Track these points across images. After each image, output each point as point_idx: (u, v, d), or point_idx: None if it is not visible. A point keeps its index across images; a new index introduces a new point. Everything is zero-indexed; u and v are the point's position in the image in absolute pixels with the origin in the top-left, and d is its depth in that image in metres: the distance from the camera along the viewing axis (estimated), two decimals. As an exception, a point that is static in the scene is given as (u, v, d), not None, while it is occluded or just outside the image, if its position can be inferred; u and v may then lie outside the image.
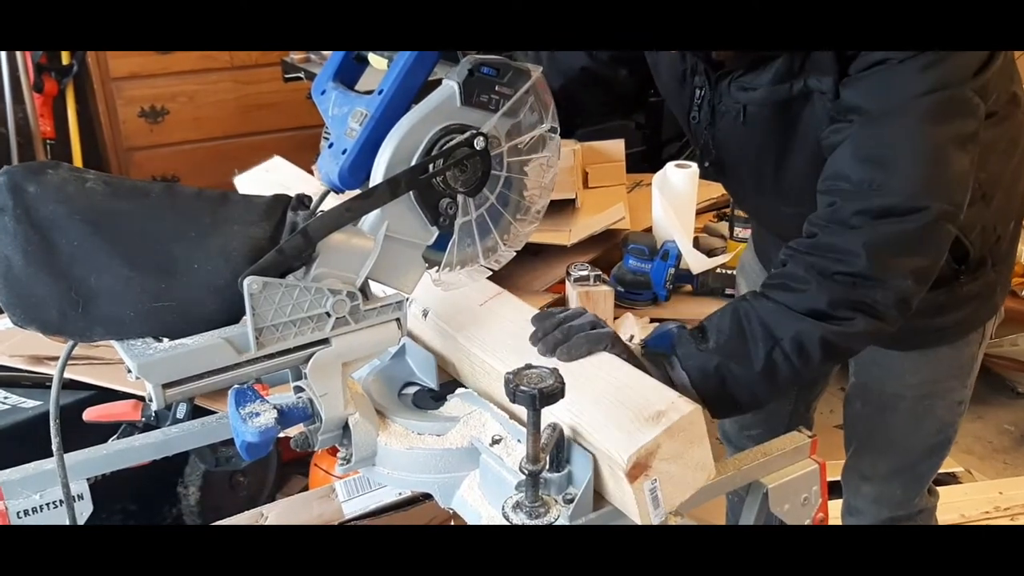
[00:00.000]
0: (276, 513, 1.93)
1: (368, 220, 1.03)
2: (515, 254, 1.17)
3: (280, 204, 1.00)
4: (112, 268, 0.93)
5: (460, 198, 1.06)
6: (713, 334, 1.11)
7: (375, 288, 1.09)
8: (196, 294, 0.96)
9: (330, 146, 1.05)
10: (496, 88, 1.04)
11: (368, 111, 1.02)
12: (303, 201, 1.02)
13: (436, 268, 1.12)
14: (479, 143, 1.04)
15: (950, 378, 1.52)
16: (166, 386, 0.95)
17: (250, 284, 0.95)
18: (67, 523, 1.12)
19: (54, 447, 1.03)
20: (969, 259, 1.34)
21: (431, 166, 1.03)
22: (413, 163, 1.02)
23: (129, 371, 0.95)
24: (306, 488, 2.27)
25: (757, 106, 1.25)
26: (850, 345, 1.12)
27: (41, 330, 0.96)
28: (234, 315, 0.98)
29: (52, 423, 1.01)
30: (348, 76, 1.11)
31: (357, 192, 1.02)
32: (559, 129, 1.11)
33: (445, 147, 1.03)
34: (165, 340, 0.96)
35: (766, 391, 1.11)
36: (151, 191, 0.97)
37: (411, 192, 1.03)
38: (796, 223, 1.18)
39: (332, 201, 1.04)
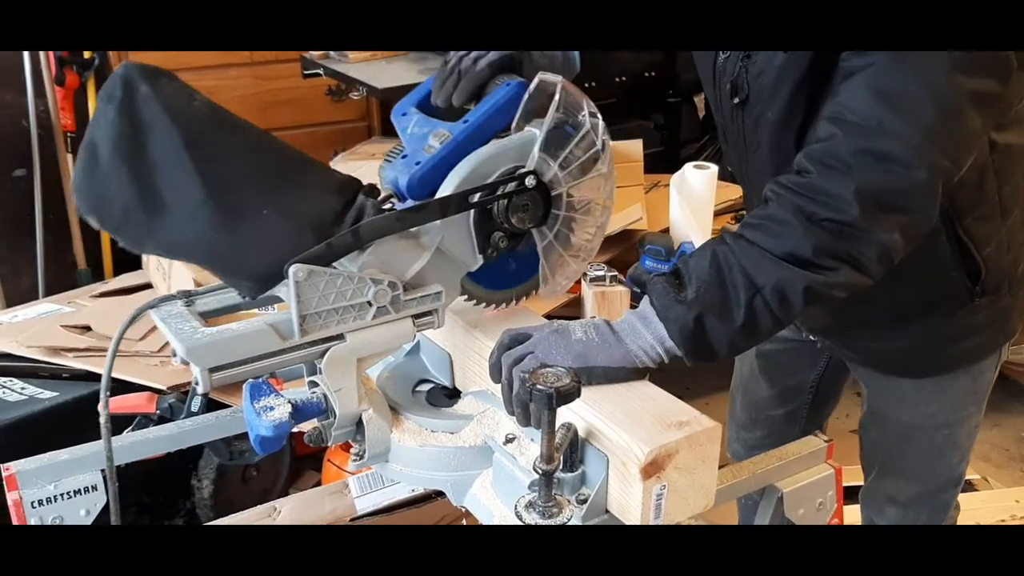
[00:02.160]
0: (288, 508, 1.93)
1: (428, 229, 1.07)
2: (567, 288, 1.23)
3: (355, 184, 1.03)
4: (190, 189, 0.94)
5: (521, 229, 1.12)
6: (692, 282, 1.06)
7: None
8: (249, 244, 0.97)
9: (403, 157, 1.11)
10: (568, 145, 1.11)
11: (451, 133, 1.09)
12: (374, 190, 1.05)
13: (466, 297, 1.17)
14: (531, 181, 1.09)
15: (968, 405, 1.48)
16: (212, 370, 0.96)
17: (296, 271, 0.96)
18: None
19: (102, 421, 1.06)
20: (983, 278, 1.29)
21: (482, 194, 1.08)
22: None
23: (174, 354, 0.96)
24: (319, 483, 2.27)
25: None
26: (832, 293, 1.07)
27: (99, 224, 0.96)
28: (270, 282, 1.00)
29: (102, 395, 1.05)
30: (428, 107, 1.21)
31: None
32: (614, 174, 1.16)
33: (508, 182, 1.08)
34: (209, 326, 0.99)
35: (746, 341, 1.08)
36: (250, 130, 1.00)
37: (471, 214, 1.08)
38: None
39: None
